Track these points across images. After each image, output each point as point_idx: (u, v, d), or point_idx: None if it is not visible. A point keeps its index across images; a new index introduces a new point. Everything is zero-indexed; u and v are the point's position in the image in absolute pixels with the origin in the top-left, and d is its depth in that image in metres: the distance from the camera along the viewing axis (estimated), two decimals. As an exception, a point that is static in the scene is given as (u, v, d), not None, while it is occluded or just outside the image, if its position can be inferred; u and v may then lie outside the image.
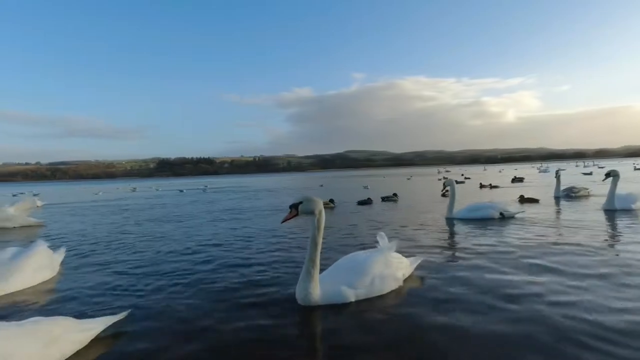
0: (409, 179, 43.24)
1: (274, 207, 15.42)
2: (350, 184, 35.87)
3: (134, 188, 47.90)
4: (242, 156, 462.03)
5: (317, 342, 3.17)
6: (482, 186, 22.45)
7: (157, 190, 40.91)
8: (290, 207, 3.77)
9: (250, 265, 5.56)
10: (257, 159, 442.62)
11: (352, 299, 3.84)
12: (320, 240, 3.78)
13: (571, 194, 13.92)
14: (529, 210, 10.57)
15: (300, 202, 3.72)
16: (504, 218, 9.18)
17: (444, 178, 40.82)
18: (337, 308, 3.73)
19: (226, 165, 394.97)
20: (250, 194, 26.39)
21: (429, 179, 41.24)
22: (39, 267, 5.09)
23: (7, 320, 2.87)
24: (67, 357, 2.80)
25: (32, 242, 5.59)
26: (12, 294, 4.55)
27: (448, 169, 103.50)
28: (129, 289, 4.66)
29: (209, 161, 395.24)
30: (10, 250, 5.20)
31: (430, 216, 10.26)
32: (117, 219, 13.03)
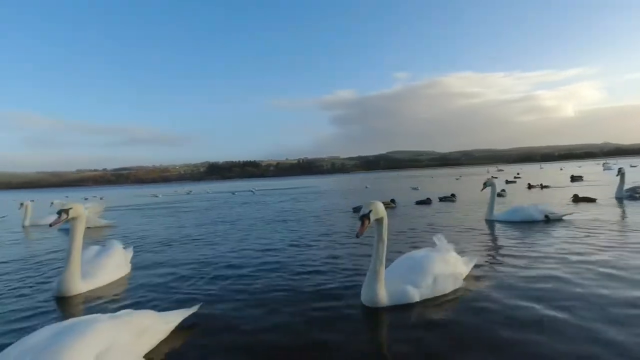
0: (457, 179, 41.69)
1: (324, 208, 15.64)
2: (397, 185, 35.24)
3: (190, 191, 50.91)
4: (286, 159, 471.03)
5: (387, 344, 3.11)
6: (530, 186, 20.75)
7: (208, 192, 42.92)
8: (362, 218, 3.60)
9: (309, 267, 5.69)
10: (301, 161, 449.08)
11: (417, 299, 3.83)
12: (385, 242, 3.80)
13: (636, 195, 12.46)
14: (584, 211, 9.89)
15: (370, 211, 3.60)
16: (549, 221, 8.65)
17: (492, 177, 38.78)
18: (402, 308, 3.72)
19: (271, 168, 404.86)
20: (299, 196, 26.78)
21: (479, 178, 39.42)
22: (118, 264, 5.63)
23: (98, 312, 3.22)
24: (154, 346, 3.08)
25: (107, 241, 6.12)
26: (99, 288, 5.07)
27: (501, 167, 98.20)
28: (196, 285, 5.02)
29: (255, 164, 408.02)
30: (93, 249, 5.78)
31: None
32: (178, 220, 13.90)
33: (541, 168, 71.54)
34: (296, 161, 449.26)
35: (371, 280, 3.75)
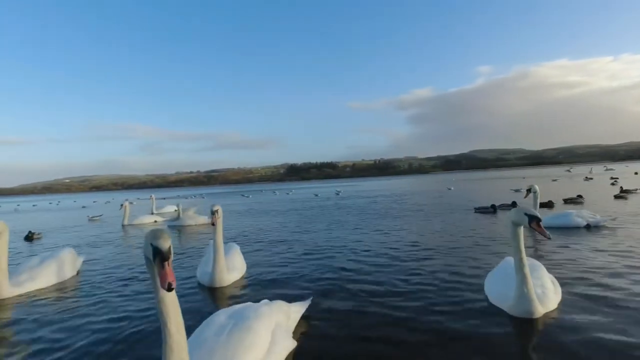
0: (554, 180, 37.74)
1: (421, 208, 15.43)
2: (488, 187, 32.82)
3: (274, 191, 54.25)
4: (362, 160, 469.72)
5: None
6: (622, 192, 16.51)
7: (288, 194, 44.32)
8: (539, 220, 3.58)
9: (437, 270, 5.63)
10: (377, 161, 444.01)
11: (557, 304, 3.85)
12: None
13: None
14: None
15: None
16: (590, 227, 8.68)
17: (589, 178, 34.37)
18: (551, 315, 3.68)
19: (348, 169, 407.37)
20: (391, 197, 25.94)
21: (576, 179, 35.42)
22: (242, 261, 6.38)
23: (244, 301, 3.82)
24: (292, 330, 3.52)
25: (229, 243, 6.80)
26: (237, 280, 5.77)
27: (610, 166, 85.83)
28: (305, 280, 5.57)
29: (331, 165, 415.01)
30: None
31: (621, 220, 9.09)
32: (275, 219, 14.89)
33: (665, 166, 60.73)
34: (372, 162, 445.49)
35: (525, 290, 3.57)
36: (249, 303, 3.54)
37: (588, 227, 8.72)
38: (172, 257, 2.18)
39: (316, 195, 36.83)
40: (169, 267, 2.12)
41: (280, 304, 3.57)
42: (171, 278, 2.07)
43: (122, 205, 16.33)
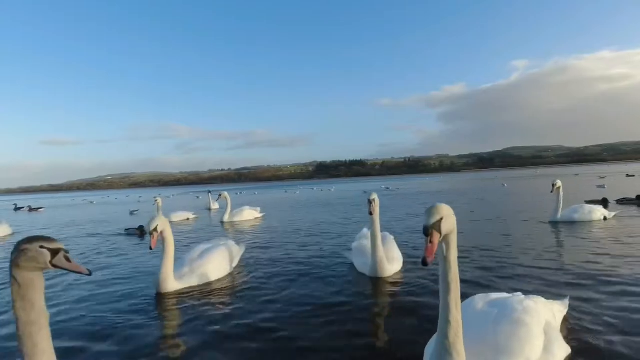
0: (602, 177, 36.15)
1: (517, 204, 15.19)
2: (543, 184, 31.33)
3: (313, 188, 55.04)
4: (392, 157, 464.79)
5: None
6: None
7: (331, 190, 44.82)
8: None
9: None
10: (407, 159, 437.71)
11: None
12: None
13: None
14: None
15: None
16: (607, 219, 9.40)
17: (630, 175, 33.13)
18: None
19: (377, 166, 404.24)
20: (453, 194, 25.31)
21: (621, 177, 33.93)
22: (398, 252, 6.12)
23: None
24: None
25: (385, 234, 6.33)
26: (396, 273, 5.64)
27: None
28: (479, 275, 5.41)
29: (361, 163, 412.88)
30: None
31: None
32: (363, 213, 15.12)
33: None
34: (402, 160, 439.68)
35: None
36: (504, 294, 3.31)
37: (605, 219, 9.52)
38: (436, 234, 2.22)
39: (365, 192, 36.51)
40: (429, 243, 2.20)
41: (543, 300, 3.22)
42: (426, 254, 2.18)
43: (155, 199, 16.58)
